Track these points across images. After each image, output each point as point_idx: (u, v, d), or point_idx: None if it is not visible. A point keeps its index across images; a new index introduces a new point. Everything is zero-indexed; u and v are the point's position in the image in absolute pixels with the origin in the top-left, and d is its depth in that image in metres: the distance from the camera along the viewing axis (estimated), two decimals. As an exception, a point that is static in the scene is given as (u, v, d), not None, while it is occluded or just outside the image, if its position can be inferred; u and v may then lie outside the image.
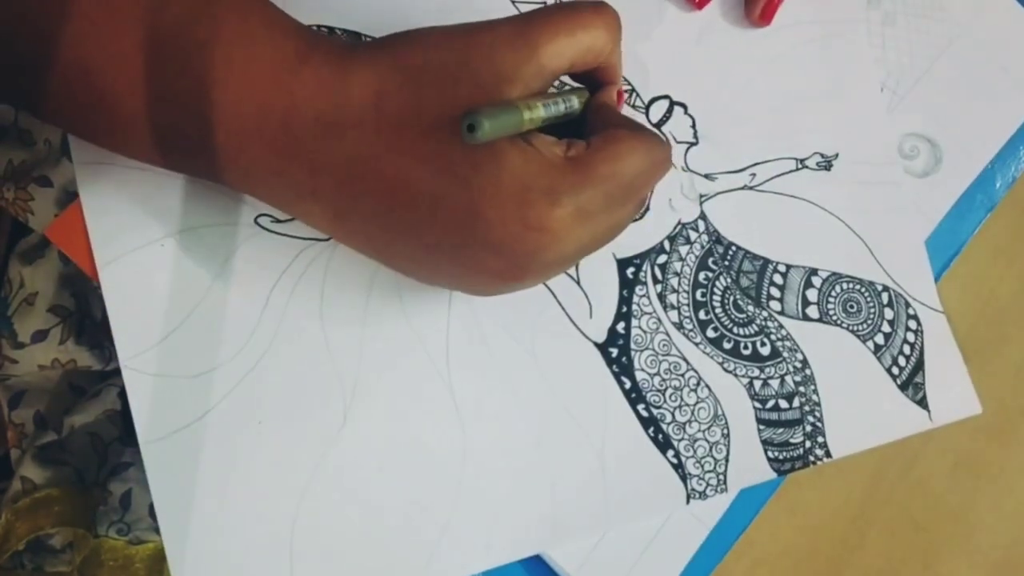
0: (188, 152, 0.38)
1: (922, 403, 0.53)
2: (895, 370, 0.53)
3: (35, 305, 0.47)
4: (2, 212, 0.48)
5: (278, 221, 0.45)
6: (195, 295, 0.44)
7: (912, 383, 0.53)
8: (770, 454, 0.50)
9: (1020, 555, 0.48)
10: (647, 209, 0.50)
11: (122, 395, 0.50)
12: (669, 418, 0.49)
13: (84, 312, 0.48)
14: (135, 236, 0.44)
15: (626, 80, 0.51)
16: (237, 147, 0.37)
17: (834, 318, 0.52)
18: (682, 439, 0.49)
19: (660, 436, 0.49)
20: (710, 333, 0.50)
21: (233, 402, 0.44)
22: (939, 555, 0.48)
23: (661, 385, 0.49)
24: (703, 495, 0.49)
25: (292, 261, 0.45)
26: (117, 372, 0.43)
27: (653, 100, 0.51)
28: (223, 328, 0.44)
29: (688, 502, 0.48)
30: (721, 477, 0.49)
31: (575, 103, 0.40)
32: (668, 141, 0.41)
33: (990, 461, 0.49)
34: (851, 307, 0.52)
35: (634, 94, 0.51)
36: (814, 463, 0.51)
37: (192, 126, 0.36)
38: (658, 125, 0.51)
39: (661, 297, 0.50)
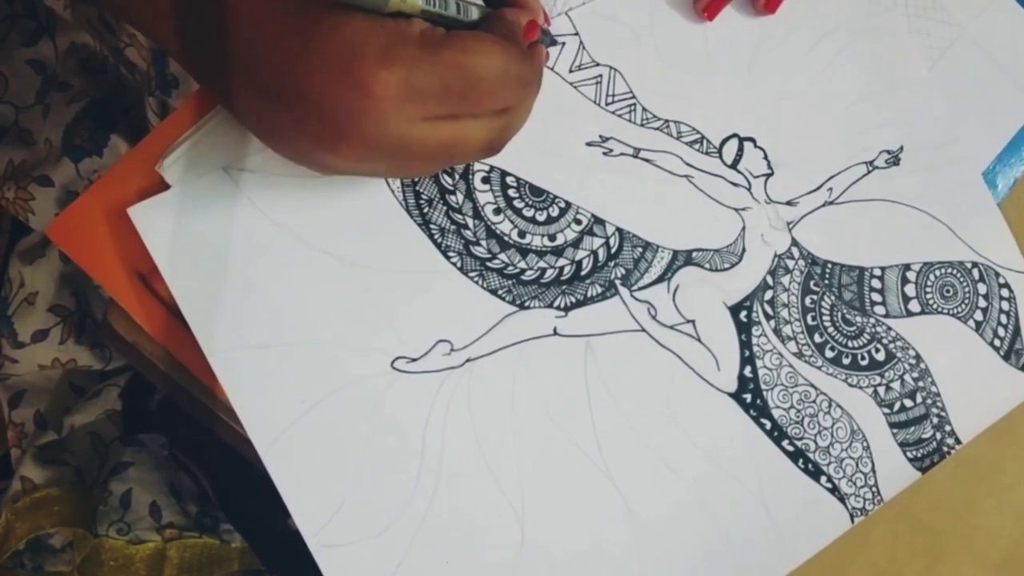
0: None
1: (1025, 367, 0.55)
2: (997, 342, 0.54)
3: (35, 305, 0.47)
4: (2, 212, 0.48)
5: (413, 360, 0.45)
6: (355, 455, 0.44)
7: (1013, 351, 0.55)
8: (909, 454, 0.52)
9: (1022, 555, 0.51)
10: (740, 257, 0.51)
11: (122, 395, 0.50)
12: (813, 446, 0.50)
13: (84, 312, 0.47)
14: (284, 414, 0.44)
15: (691, 127, 0.51)
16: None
17: (935, 306, 0.53)
18: (830, 463, 0.50)
19: (810, 465, 0.50)
20: (828, 353, 0.52)
21: (418, 549, 0.44)
22: (942, 555, 0.50)
23: (798, 417, 0.50)
24: (864, 511, 0.50)
25: (436, 396, 0.45)
26: (117, 371, 0.43)
27: (724, 141, 0.51)
28: (391, 480, 0.45)
29: (852, 521, 0.50)
30: (874, 489, 0.51)
31: (472, 13, 0.39)
32: (540, 63, 0.40)
33: (992, 461, 0.52)
34: (948, 292, 0.54)
35: (704, 140, 0.51)
36: (948, 452, 0.52)
37: None
38: (733, 165, 0.51)
39: (777, 332, 0.51)
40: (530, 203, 0.47)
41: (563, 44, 0.48)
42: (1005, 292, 0.55)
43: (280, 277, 0.44)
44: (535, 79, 0.40)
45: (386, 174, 0.42)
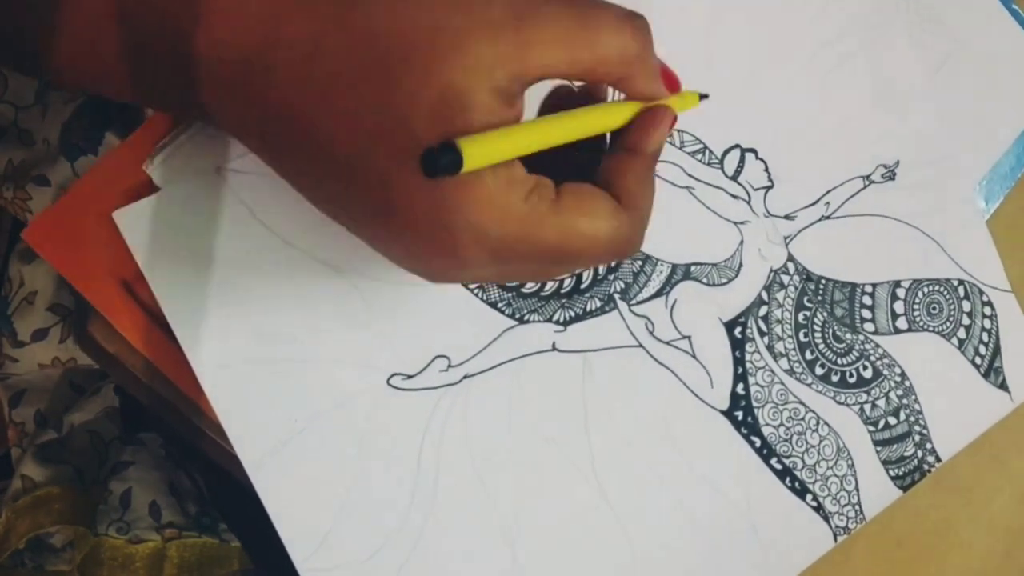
0: (115, 77, 0.34)
1: (1003, 386, 0.55)
2: (978, 360, 0.55)
3: (35, 304, 0.47)
4: (2, 211, 0.47)
5: (409, 377, 0.44)
6: (348, 476, 0.43)
7: (992, 369, 0.55)
8: (891, 472, 0.52)
9: (995, 568, 0.53)
10: (737, 272, 0.50)
11: (119, 391, 0.49)
12: (800, 464, 0.50)
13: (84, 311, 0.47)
14: (274, 432, 0.42)
15: (695, 137, 0.50)
16: (161, 80, 0.33)
17: (921, 324, 0.54)
18: (815, 481, 0.51)
19: (796, 484, 0.50)
20: (818, 371, 0.51)
21: (411, 570, 0.43)
22: (920, 571, 0.52)
23: (786, 434, 0.50)
24: (847, 529, 0.51)
25: (432, 414, 0.44)
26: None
27: (726, 152, 0.50)
28: (384, 502, 0.43)
29: (835, 539, 0.51)
30: (857, 508, 0.51)
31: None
32: (643, 231, 0.36)
33: (969, 477, 0.53)
34: (934, 309, 0.54)
35: (706, 150, 0.50)
36: (928, 471, 0.53)
37: (111, 52, 0.32)
38: (735, 176, 0.50)
39: (770, 348, 0.50)
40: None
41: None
42: (988, 310, 0.55)
43: (274, 288, 0.42)
44: (633, 247, 0.35)
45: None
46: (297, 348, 0.42)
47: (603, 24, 0.31)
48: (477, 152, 0.28)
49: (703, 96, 0.40)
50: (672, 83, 0.36)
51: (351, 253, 0.43)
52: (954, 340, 0.54)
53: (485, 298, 0.45)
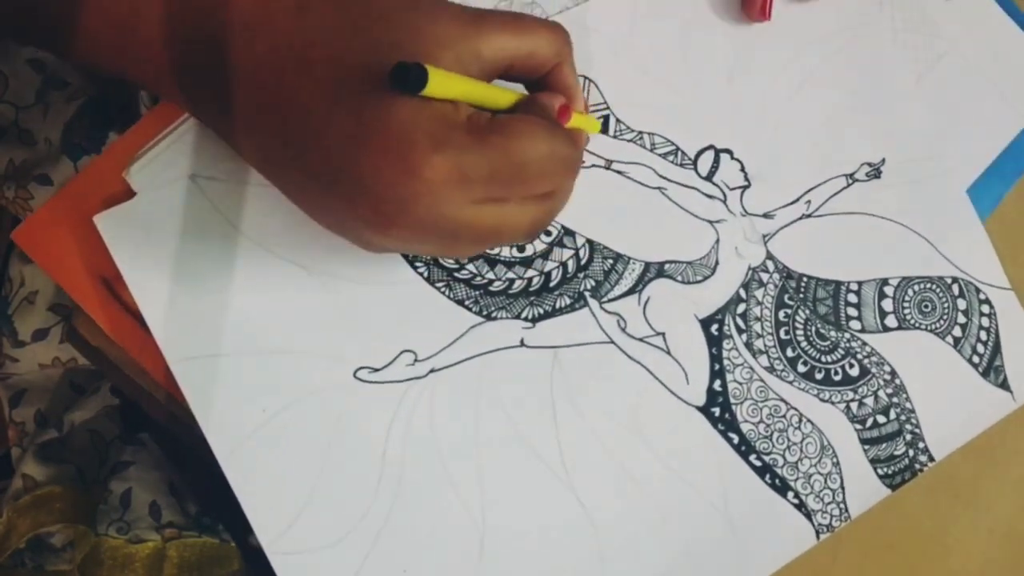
0: (105, 52, 0.38)
1: (1004, 385, 0.54)
2: (975, 359, 0.54)
3: (35, 304, 0.48)
4: (3, 211, 0.48)
5: (376, 370, 0.46)
6: (316, 464, 0.45)
7: (992, 368, 0.54)
8: (879, 471, 0.52)
9: (995, 574, 0.51)
10: (712, 269, 0.51)
11: (116, 391, 0.50)
12: (781, 461, 0.50)
13: (84, 310, 0.48)
14: (245, 422, 0.44)
15: (667, 140, 0.51)
16: (152, 50, 0.37)
17: (912, 322, 0.53)
18: (797, 478, 0.50)
19: (777, 480, 0.50)
20: (801, 368, 0.51)
21: (376, 558, 0.45)
22: (913, 574, 0.50)
23: (766, 431, 0.50)
24: (830, 528, 0.50)
25: (399, 406, 0.46)
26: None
27: (699, 153, 0.51)
28: (351, 489, 0.45)
29: (818, 537, 0.50)
30: (842, 506, 0.51)
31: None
32: (581, 146, 0.41)
33: (967, 481, 0.51)
34: (926, 307, 0.53)
35: (679, 152, 0.51)
36: (920, 470, 0.52)
37: (110, 30, 0.36)
38: (709, 176, 0.51)
39: (748, 346, 0.51)
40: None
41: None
42: (986, 308, 0.54)
43: (245, 286, 0.44)
44: (578, 161, 0.41)
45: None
46: (267, 342, 0.44)
47: (538, 23, 0.39)
48: (439, 79, 0.33)
49: (605, 127, 0.49)
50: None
51: (320, 255, 0.45)
52: (949, 339, 0.54)
53: (452, 296, 0.47)
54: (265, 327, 0.44)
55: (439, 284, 0.46)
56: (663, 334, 0.50)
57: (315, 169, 0.36)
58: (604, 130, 0.49)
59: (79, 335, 0.44)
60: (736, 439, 0.50)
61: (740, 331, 0.51)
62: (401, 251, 0.41)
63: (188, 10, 0.36)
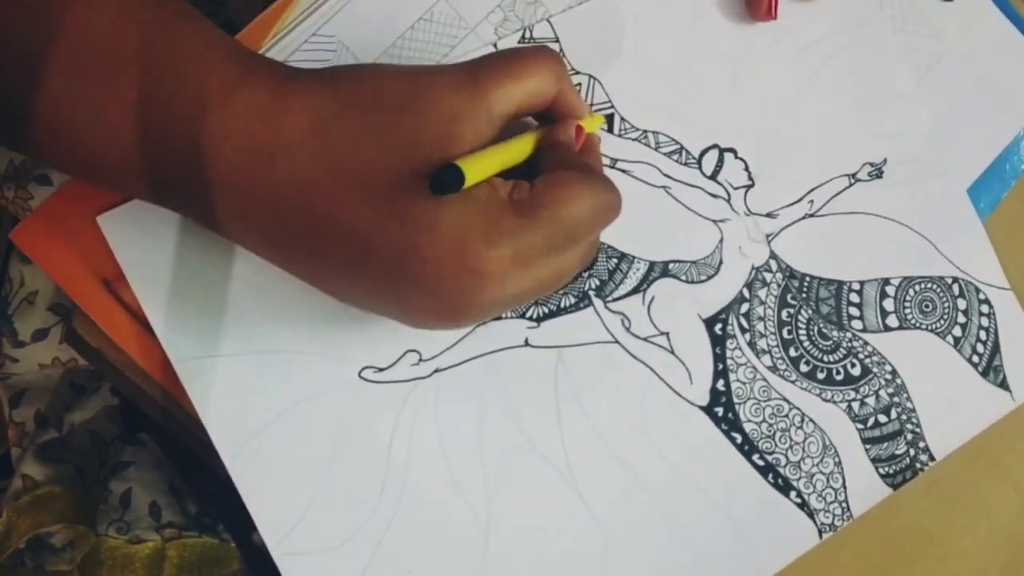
0: (113, 172, 0.37)
1: (1003, 385, 0.54)
2: (975, 358, 0.54)
3: (35, 304, 0.48)
4: (2, 211, 0.48)
5: (380, 370, 0.45)
6: (321, 464, 0.44)
7: (992, 367, 0.54)
8: (881, 470, 0.52)
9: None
10: (716, 269, 0.51)
11: (115, 391, 0.50)
12: (784, 461, 0.50)
13: (84, 311, 0.48)
14: (250, 423, 0.44)
15: (671, 139, 0.51)
16: (165, 173, 0.36)
17: (913, 322, 0.53)
18: (800, 477, 0.50)
19: (780, 480, 0.50)
20: (803, 368, 0.51)
21: (381, 559, 0.45)
22: (913, 575, 0.50)
23: (769, 431, 0.50)
24: (832, 527, 0.50)
25: (403, 406, 0.45)
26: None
27: (703, 152, 0.51)
28: (355, 490, 0.45)
29: (821, 537, 0.50)
30: (844, 505, 0.51)
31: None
32: (616, 187, 0.40)
33: (967, 483, 0.51)
34: (927, 307, 0.53)
35: (683, 150, 0.51)
36: (921, 469, 0.52)
37: (116, 149, 0.35)
38: (713, 176, 0.51)
39: (751, 345, 0.51)
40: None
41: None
42: (985, 308, 0.55)
43: (249, 285, 0.44)
44: (619, 201, 0.40)
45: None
46: (271, 342, 0.44)
47: (529, 55, 0.38)
48: (474, 170, 0.34)
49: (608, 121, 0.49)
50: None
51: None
52: (949, 338, 0.54)
53: (457, 295, 0.46)
54: (269, 327, 0.44)
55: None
56: (667, 334, 0.50)
57: (365, 284, 0.37)
58: (608, 128, 0.49)
59: (78, 336, 0.44)
60: (739, 439, 0.50)
61: (743, 331, 0.51)
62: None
63: (196, 136, 0.35)
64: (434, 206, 0.34)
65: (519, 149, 0.39)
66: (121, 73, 0.34)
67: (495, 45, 0.48)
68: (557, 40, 0.49)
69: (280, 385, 0.44)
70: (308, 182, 0.35)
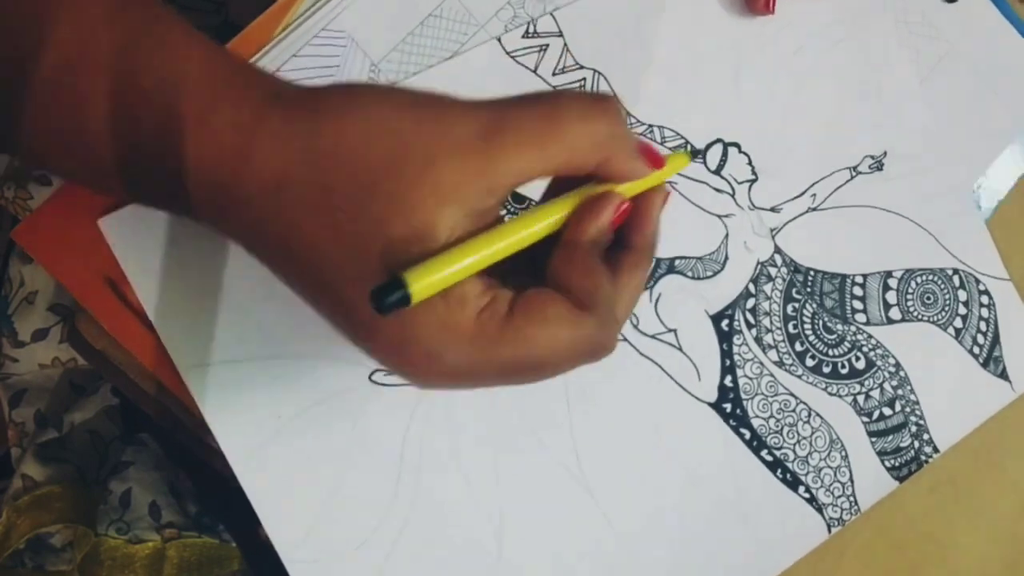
0: (107, 179, 0.34)
1: (1003, 375, 0.55)
2: (976, 349, 0.54)
3: (35, 304, 0.47)
4: (2, 211, 0.48)
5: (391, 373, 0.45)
6: (332, 470, 0.44)
7: (992, 358, 0.55)
8: (887, 463, 0.52)
9: (994, 574, 0.52)
10: (722, 264, 0.50)
11: (116, 391, 0.49)
12: (792, 456, 0.50)
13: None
14: (259, 429, 0.43)
15: (676, 133, 0.50)
16: (148, 182, 0.33)
17: (915, 314, 0.53)
18: (808, 472, 0.50)
19: (788, 475, 0.50)
20: (809, 362, 0.51)
21: (395, 563, 0.44)
22: (916, 574, 0.51)
23: (777, 426, 0.50)
24: (841, 521, 0.51)
25: (414, 409, 0.45)
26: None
27: (708, 147, 0.51)
28: (367, 495, 0.44)
29: (830, 531, 0.50)
30: (852, 499, 0.51)
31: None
32: (615, 325, 0.33)
33: (970, 481, 0.52)
34: (928, 299, 0.54)
35: (688, 145, 0.50)
36: (925, 461, 0.53)
37: (107, 157, 0.32)
38: (717, 170, 0.51)
39: (758, 340, 0.51)
40: (512, 210, 0.47)
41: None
42: (985, 299, 0.55)
43: (256, 289, 0.43)
44: (611, 347, 0.33)
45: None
46: (279, 346, 0.43)
47: (570, 115, 0.31)
48: (424, 284, 0.28)
49: (696, 153, 0.41)
50: (654, 159, 0.34)
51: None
52: (950, 330, 0.54)
53: (466, 295, 0.46)
54: (278, 331, 0.43)
55: (452, 283, 0.46)
56: (675, 330, 0.49)
57: (327, 316, 0.32)
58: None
59: (80, 336, 0.43)
60: (748, 434, 0.50)
61: (750, 326, 0.50)
62: None
63: (165, 169, 0.32)
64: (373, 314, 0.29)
65: (518, 241, 0.31)
66: (96, 85, 0.31)
67: (499, 40, 0.47)
68: (561, 35, 0.48)
69: (289, 390, 0.43)
70: (264, 238, 0.31)
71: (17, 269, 0.46)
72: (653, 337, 0.49)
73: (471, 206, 0.29)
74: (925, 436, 0.53)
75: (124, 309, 0.42)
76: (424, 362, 0.30)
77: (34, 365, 0.47)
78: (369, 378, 0.44)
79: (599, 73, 0.49)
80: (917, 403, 0.53)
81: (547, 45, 0.49)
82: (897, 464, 0.52)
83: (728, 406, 0.50)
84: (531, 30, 0.48)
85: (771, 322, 0.51)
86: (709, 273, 0.50)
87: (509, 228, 0.30)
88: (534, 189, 0.35)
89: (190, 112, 0.31)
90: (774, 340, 0.51)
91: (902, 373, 0.53)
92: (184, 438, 0.45)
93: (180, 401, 0.43)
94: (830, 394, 0.51)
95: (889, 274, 0.53)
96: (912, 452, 0.52)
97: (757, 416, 0.50)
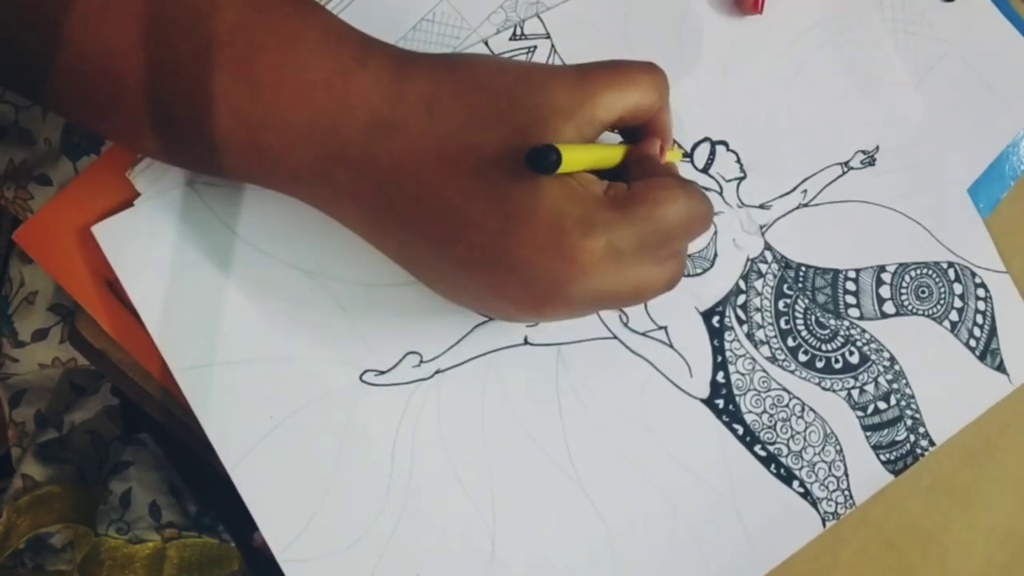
0: (235, 154, 0.37)
1: (1000, 368, 0.55)
2: (972, 342, 0.54)
3: (35, 304, 0.48)
4: (2, 211, 0.48)
5: (381, 373, 0.45)
6: (324, 469, 0.44)
7: (989, 351, 0.55)
8: (882, 457, 0.52)
9: (993, 574, 0.52)
10: (711, 262, 0.51)
11: (116, 392, 0.50)
12: (785, 450, 0.50)
13: (84, 310, 0.48)
14: (252, 430, 0.44)
15: (666, 131, 0.51)
16: (286, 150, 0.37)
17: (910, 308, 0.53)
18: (802, 467, 0.51)
19: (782, 470, 0.50)
20: (802, 357, 0.51)
21: (388, 562, 0.45)
22: (913, 574, 0.51)
23: (770, 421, 0.50)
24: (835, 515, 0.51)
25: (405, 408, 0.45)
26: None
27: (695, 145, 0.51)
28: (360, 494, 0.45)
29: (824, 525, 0.50)
30: (847, 493, 0.51)
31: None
32: (711, 200, 0.41)
33: (967, 482, 0.52)
34: (923, 292, 0.54)
35: (675, 144, 0.51)
36: (921, 455, 0.53)
37: (242, 130, 0.36)
38: (705, 169, 0.51)
39: (750, 336, 0.51)
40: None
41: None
42: (981, 292, 0.55)
43: (248, 292, 0.44)
44: (711, 213, 0.41)
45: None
46: (273, 348, 0.44)
47: (637, 67, 0.39)
48: (570, 156, 0.35)
49: (685, 155, 0.50)
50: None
51: (321, 258, 0.45)
52: (946, 323, 0.54)
53: (455, 295, 0.46)
54: (268, 333, 0.44)
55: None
56: (665, 328, 0.50)
57: (460, 260, 0.37)
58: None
59: (80, 336, 0.44)
60: (741, 430, 0.50)
61: (741, 322, 0.51)
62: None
63: (319, 114, 0.36)
64: (534, 190, 0.35)
65: (612, 154, 0.40)
66: (248, 59, 0.35)
67: (486, 43, 0.48)
68: (548, 36, 0.49)
69: (281, 391, 0.44)
70: (418, 157, 0.36)
71: (17, 269, 0.47)
72: (644, 335, 0.49)
73: (581, 129, 0.37)
74: (921, 429, 0.53)
75: (122, 309, 0.43)
76: (577, 234, 0.35)
77: (34, 365, 0.48)
78: (360, 379, 0.45)
79: (585, 74, 0.49)
80: (913, 397, 0.53)
81: (535, 47, 0.49)
82: (893, 458, 0.52)
83: (720, 402, 0.50)
84: (518, 32, 0.49)
85: (763, 318, 0.51)
86: (698, 271, 0.51)
87: (612, 147, 0.40)
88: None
89: (346, 65, 0.36)
90: (766, 336, 0.51)
91: (897, 367, 0.53)
92: (184, 437, 0.46)
93: (178, 399, 0.43)
94: (824, 389, 0.52)
95: (883, 268, 0.53)
96: (908, 446, 0.52)
97: (750, 412, 0.50)
